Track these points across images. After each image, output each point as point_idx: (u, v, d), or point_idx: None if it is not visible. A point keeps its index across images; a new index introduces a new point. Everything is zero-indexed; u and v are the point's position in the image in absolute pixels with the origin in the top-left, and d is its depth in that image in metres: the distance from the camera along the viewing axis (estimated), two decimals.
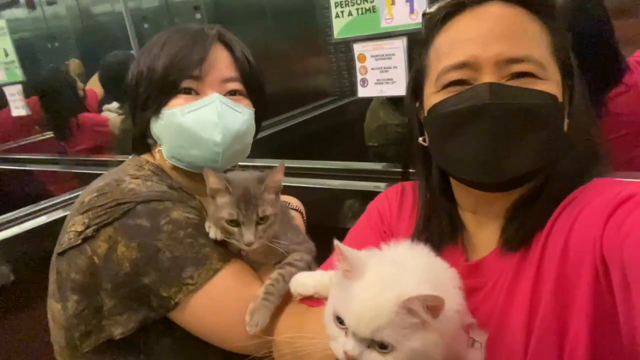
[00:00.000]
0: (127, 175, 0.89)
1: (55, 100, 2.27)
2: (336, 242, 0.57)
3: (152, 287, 0.80)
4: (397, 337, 0.52)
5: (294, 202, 1.14)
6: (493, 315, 0.65)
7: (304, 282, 0.76)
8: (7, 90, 2.10)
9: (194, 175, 0.95)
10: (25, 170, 2.15)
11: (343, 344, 0.54)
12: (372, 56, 1.14)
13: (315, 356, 0.62)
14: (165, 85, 0.89)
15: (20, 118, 2.14)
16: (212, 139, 0.90)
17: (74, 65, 2.42)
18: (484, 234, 0.72)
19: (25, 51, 2.49)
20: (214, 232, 0.84)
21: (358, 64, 1.16)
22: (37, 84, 2.28)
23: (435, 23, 0.70)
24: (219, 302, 0.83)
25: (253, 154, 1.04)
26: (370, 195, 0.95)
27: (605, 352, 0.56)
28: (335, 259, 0.58)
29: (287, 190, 1.31)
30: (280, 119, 2.21)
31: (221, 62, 0.92)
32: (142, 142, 0.98)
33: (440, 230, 0.75)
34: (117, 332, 0.81)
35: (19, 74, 2.04)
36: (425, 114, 0.72)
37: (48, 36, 2.94)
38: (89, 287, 0.81)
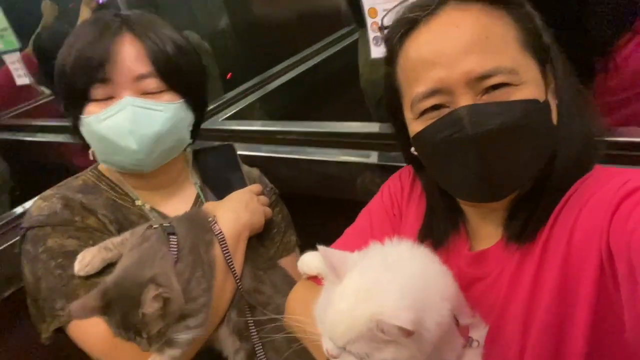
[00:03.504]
0: (51, 189, 0.96)
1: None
2: (320, 247, 0.62)
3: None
4: (368, 350, 0.55)
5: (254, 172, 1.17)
6: (494, 307, 0.68)
7: (309, 263, 0.82)
8: (7, 59, 2.02)
9: (133, 174, 0.99)
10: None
11: (325, 342, 0.59)
12: (384, 10, 0.95)
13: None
14: (76, 93, 0.89)
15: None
16: (128, 148, 0.90)
17: (46, 9, 2.21)
18: (487, 225, 0.74)
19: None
20: (77, 267, 0.84)
21: (369, 20, 1.01)
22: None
23: (394, 43, 0.70)
24: (93, 334, 0.84)
25: (259, 116, 0.95)
26: None
27: (604, 345, 0.58)
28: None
29: (297, 163, 1.22)
30: (284, 67, 2.00)
31: (129, 58, 0.88)
32: (85, 143, 0.98)
33: (444, 221, 0.78)
34: (43, 337, 0.88)
35: (14, 41, 1.95)
36: (411, 138, 0.73)
37: None
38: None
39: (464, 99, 0.63)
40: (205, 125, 1.56)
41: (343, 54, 2.05)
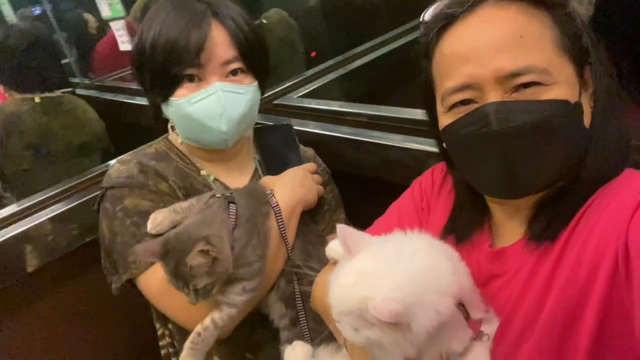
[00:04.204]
0: (128, 155, 1.06)
1: None
2: (339, 225, 0.68)
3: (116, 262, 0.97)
4: (356, 325, 0.60)
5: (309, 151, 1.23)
6: (508, 303, 0.69)
7: (335, 249, 0.85)
8: (113, 26, 2.19)
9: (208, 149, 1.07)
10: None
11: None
12: None
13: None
14: (169, 77, 0.96)
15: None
16: (219, 129, 0.99)
17: None
18: (512, 224, 0.75)
19: None
20: (150, 226, 0.92)
21: None
22: None
23: (431, 38, 0.71)
24: (158, 288, 0.93)
25: (333, 97, 1.00)
26: None
27: (610, 346, 0.58)
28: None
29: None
30: (364, 48, 2.00)
31: (219, 45, 0.96)
32: (159, 117, 1.07)
33: (468, 216, 0.79)
34: (114, 287, 0.98)
35: (120, 9, 2.10)
36: (440, 131, 0.74)
37: None
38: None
39: (493, 96, 0.64)
40: (280, 101, 1.64)
41: None
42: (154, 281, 0.94)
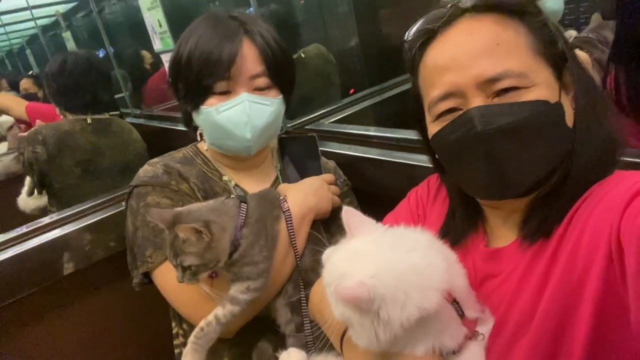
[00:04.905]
0: (157, 158, 1.13)
1: None
2: (345, 207, 0.72)
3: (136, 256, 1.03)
4: (334, 297, 0.62)
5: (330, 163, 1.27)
6: (502, 302, 0.69)
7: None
8: (164, 58, 2.33)
9: (226, 155, 1.13)
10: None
11: None
12: None
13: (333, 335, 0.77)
14: (201, 88, 1.03)
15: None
16: (243, 136, 1.05)
17: None
18: (506, 227, 0.76)
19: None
20: None
21: None
22: None
23: (414, 53, 0.75)
24: (170, 282, 0.96)
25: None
26: None
27: (607, 340, 0.58)
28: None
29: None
30: (390, 84, 2.07)
31: (248, 60, 1.02)
32: (190, 124, 1.15)
33: (462, 220, 0.81)
34: (134, 282, 1.04)
35: (170, 42, 2.24)
36: (429, 140, 0.77)
37: None
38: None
39: (476, 101, 0.67)
40: (312, 126, 1.70)
41: None
42: (166, 275, 0.97)
